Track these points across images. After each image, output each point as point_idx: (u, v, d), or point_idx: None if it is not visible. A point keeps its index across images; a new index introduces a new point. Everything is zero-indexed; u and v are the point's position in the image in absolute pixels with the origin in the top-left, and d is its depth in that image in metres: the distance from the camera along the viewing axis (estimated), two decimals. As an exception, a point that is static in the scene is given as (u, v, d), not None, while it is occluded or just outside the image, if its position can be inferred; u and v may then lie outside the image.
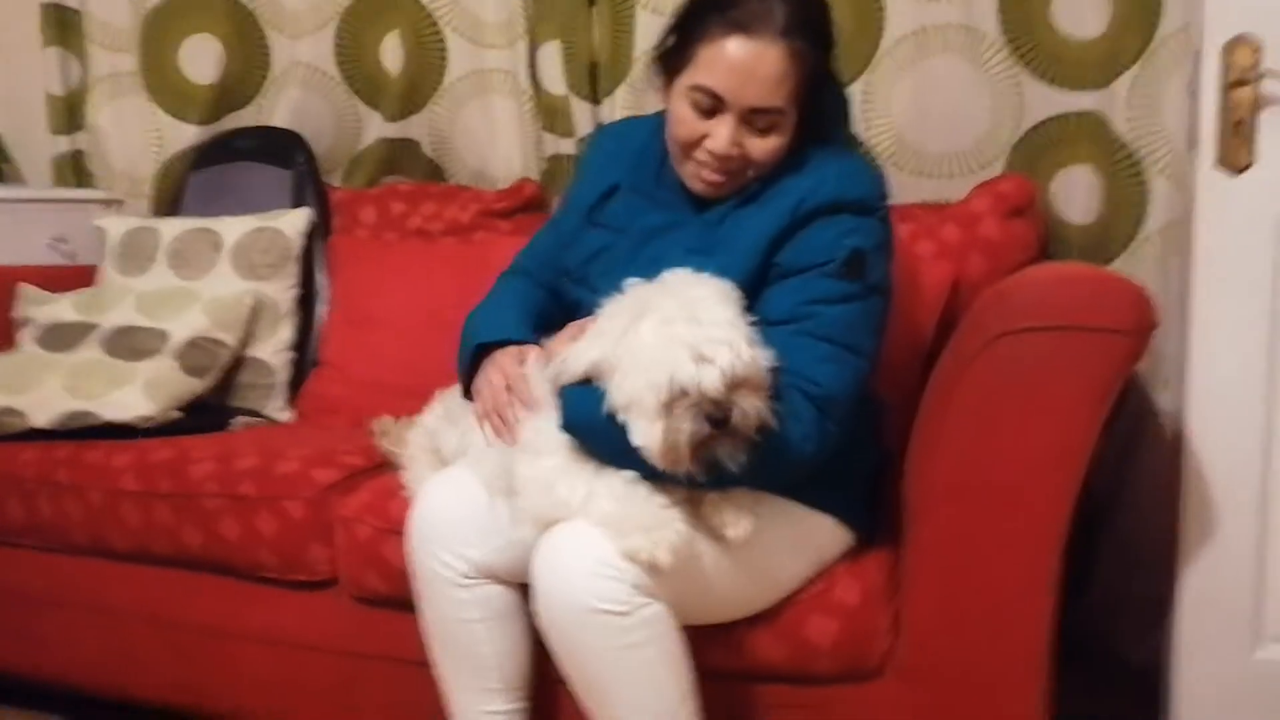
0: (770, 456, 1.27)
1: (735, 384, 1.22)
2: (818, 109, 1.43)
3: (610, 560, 1.25)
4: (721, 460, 1.24)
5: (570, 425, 1.33)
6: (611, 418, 1.27)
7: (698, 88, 1.37)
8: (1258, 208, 1.62)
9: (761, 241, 1.38)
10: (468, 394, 1.54)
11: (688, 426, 1.21)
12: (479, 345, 1.53)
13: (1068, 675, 1.52)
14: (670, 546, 1.24)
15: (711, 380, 1.20)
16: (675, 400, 1.21)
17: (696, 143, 1.39)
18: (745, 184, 1.42)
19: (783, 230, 1.38)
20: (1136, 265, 1.99)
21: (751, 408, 1.22)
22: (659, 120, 1.49)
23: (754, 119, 1.37)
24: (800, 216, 1.37)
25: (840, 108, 1.53)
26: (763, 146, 1.39)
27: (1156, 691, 1.76)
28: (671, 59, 1.42)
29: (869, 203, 1.40)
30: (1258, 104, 1.61)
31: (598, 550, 1.26)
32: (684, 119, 1.39)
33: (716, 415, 1.21)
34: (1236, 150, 1.62)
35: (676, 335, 1.22)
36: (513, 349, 1.50)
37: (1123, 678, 1.94)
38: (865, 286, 1.35)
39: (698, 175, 1.42)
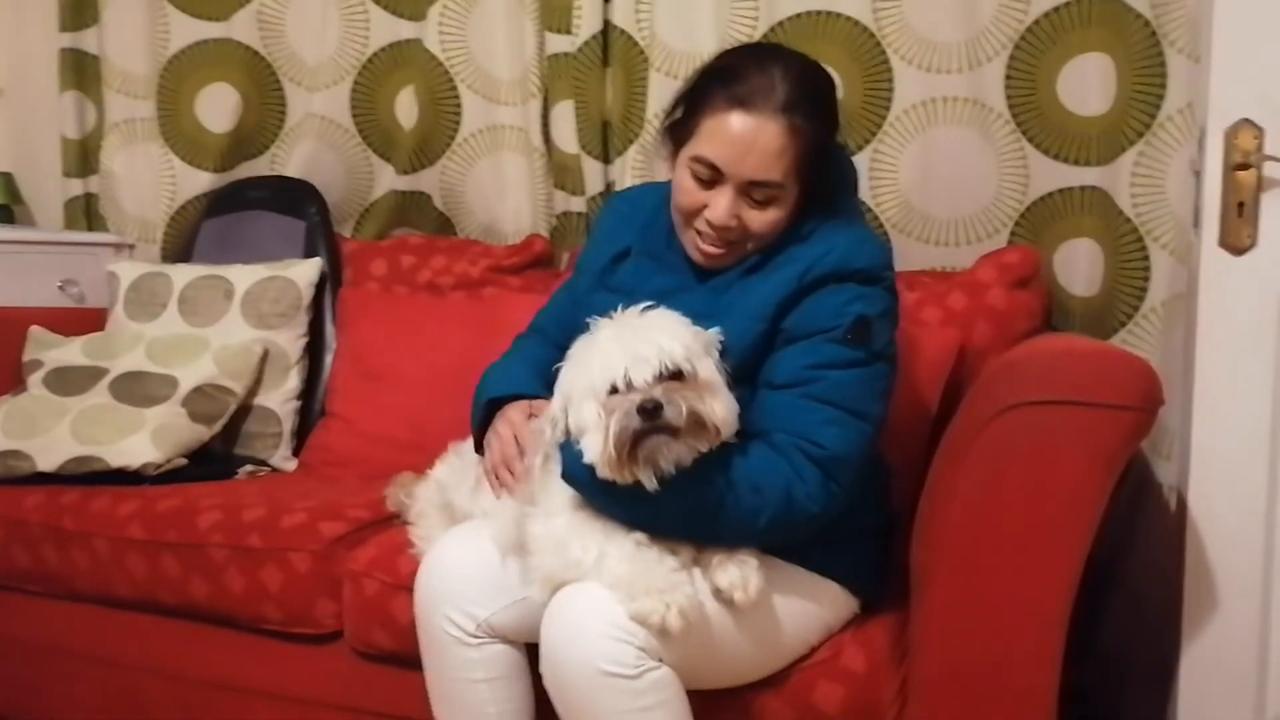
0: (775, 515, 1.29)
1: (671, 380, 1.26)
2: (823, 180, 1.46)
3: (620, 623, 1.26)
4: (661, 462, 1.27)
5: (567, 475, 1.35)
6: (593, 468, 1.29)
7: (698, 159, 1.40)
8: (1260, 287, 1.64)
9: (767, 308, 1.40)
10: (479, 449, 1.56)
11: (619, 422, 1.25)
12: (490, 400, 1.55)
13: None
14: (680, 611, 1.25)
15: (641, 375, 1.26)
16: (612, 403, 1.26)
17: (696, 212, 1.43)
18: (745, 255, 1.45)
19: (789, 296, 1.40)
20: (1139, 338, 2.02)
21: (684, 401, 1.25)
22: (669, 187, 1.52)
23: (752, 191, 1.40)
24: (807, 284, 1.39)
25: (847, 178, 1.57)
26: (761, 219, 1.42)
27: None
28: (677, 130, 1.46)
29: (875, 271, 1.42)
30: (1260, 187, 1.64)
31: (608, 613, 1.26)
32: (685, 189, 1.43)
33: (647, 406, 1.24)
34: (1239, 231, 1.65)
35: (614, 344, 1.30)
36: (522, 403, 1.52)
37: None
38: (870, 353, 1.38)
39: (697, 245, 1.46)
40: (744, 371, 1.40)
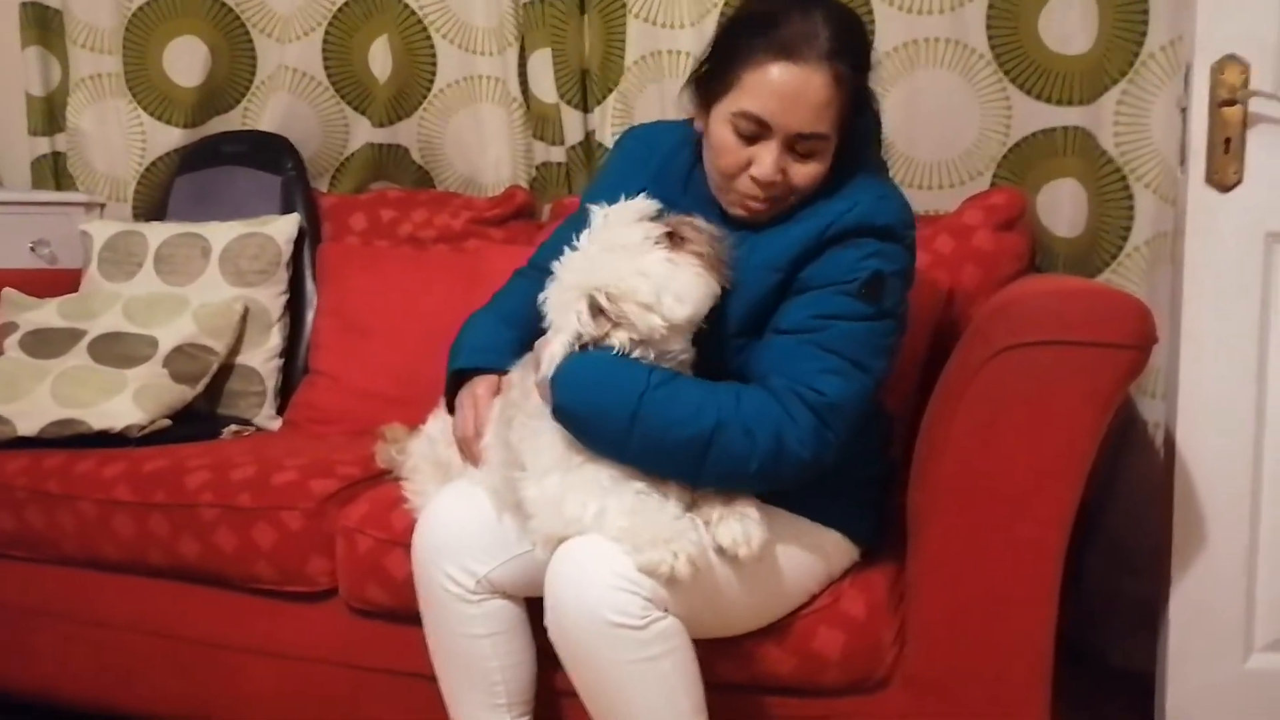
0: (765, 459, 1.29)
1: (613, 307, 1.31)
2: (858, 130, 1.42)
3: (626, 574, 1.26)
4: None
5: (559, 407, 1.33)
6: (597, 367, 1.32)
7: (742, 114, 1.34)
8: (1246, 224, 1.66)
9: (782, 260, 1.38)
10: (450, 409, 1.57)
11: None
12: (457, 370, 1.55)
13: (1057, 680, 1.54)
14: (688, 558, 1.25)
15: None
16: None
17: (741, 170, 1.38)
18: (786, 209, 1.41)
19: (808, 250, 1.37)
20: (1124, 278, 2.03)
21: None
22: (686, 130, 1.49)
23: (797, 144, 1.35)
24: (828, 238, 1.37)
25: (873, 130, 1.51)
26: (805, 172, 1.37)
27: (1145, 696, 1.79)
28: (710, 84, 1.39)
29: (897, 229, 1.39)
30: (1246, 123, 1.65)
31: (614, 564, 1.26)
32: (727, 146, 1.37)
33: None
34: (1225, 168, 1.66)
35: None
36: (489, 378, 1.52)
37: (1111, 681, 1.98)
38: (880, 309, 1.36)
39: (741, 203, 1.41)
40: (754, 321, 1.39)
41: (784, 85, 1.32)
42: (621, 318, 1.32)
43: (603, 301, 1.32)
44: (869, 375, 1.36)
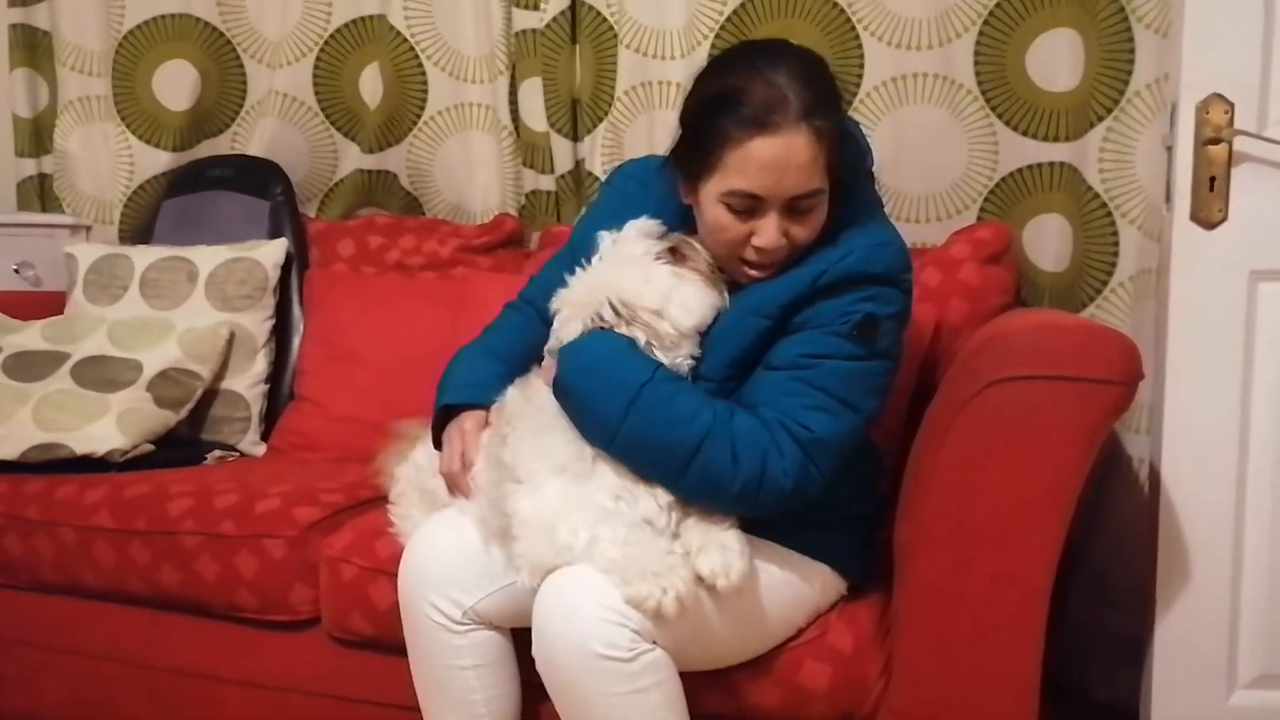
0: (747, 482, 1.29)
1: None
2: (846, 167, 1.40)
3: (614, 605, 1.25)
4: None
5: (560, 381, 1.35)
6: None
7: (733, 193, 1.32)
8: (1231, 261, 1.67)
9: (772, 306, 1.37)
10: (437, 444, 1.56)
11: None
12: (445, 405, 1.54)
13: (1041, 714, 1.54)
14: (677, 595, 1.25)
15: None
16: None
17: (744, 243, 1.36)
18: (791, 262, 1.39)
19: (799, 298, 1.36)
20: (1108, 313, 2.04)
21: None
22: None
23: (795, 205, 1.34)
24: (820, 287, 1.35)
25: (863, 158, 1.49)
26: (807, 228, 1.36)
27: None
28: (690, 165, 1.37)
29: (892, 276, 1.38)
30: (1231, 161, 1.66)
31: (602, 596, 1.26)
32: (724, 225, 1.35)
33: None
34: (1210, 205, 1.67)
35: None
36: (477, 414, 1.51)
37: (1095, 716, 1.97)
38: (872, 350, 1.35)
39: (747, 274, 1.40)
40: (739, 366, 1.39)
41: (768, 158, 1.30)
42: (634, 320, 1.35)
43: (616, 307, 1.35)
44: (858, 414, 1.36)
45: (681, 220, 1.48)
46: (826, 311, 1.36)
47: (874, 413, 1.39)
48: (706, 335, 1.40)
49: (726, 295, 1.40)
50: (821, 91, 1.33)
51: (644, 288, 1.36)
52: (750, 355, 1.39)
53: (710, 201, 1.36)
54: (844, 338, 1.34)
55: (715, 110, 1.32)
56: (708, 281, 1.38)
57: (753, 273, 1.40)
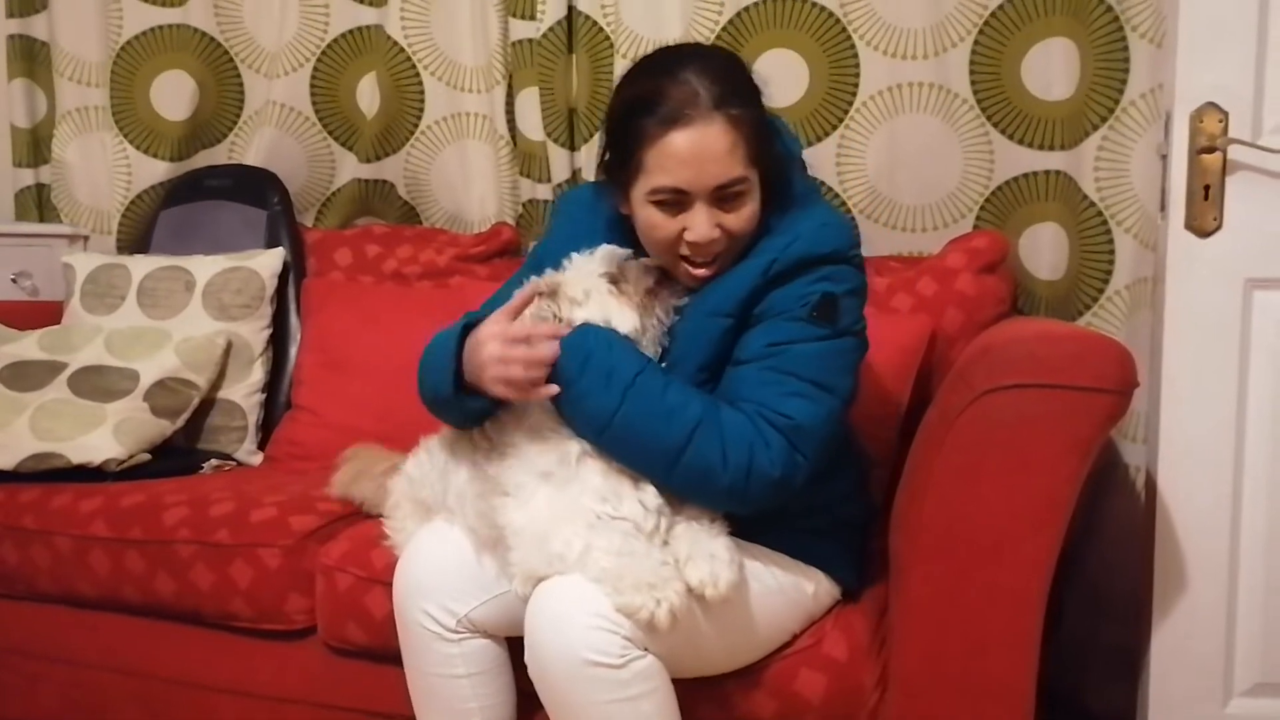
0: (736, 474, 1.30)
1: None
2: (774, 158, 1.43)
3: (605, 612, 1.25)
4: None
5: (562, 365, 1.35)
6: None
7: (657, 190, 1.36)
8: (1226, 269, 1.68)
9: (730, 304, 1.39)
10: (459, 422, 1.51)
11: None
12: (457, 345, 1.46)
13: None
14: (670, 607, 1.25)
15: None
16: None
17: (678, 240, 1.39)
18: (731, 259, 1.42)
19: (755, 291, 1.38)
20: (1104, 321, 2.04)
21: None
22: None
23: (721, 196, 1.36)
24: (772, 276, 1.38)
25: (791, 149, 1.51)
26: (739, 218, 1.39)
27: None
28: (617, 172, 1.42)
29: (841, 253, 1.41)
30: (1225, 170, 1.67)
31: (593, 604, 1.26)
32: (655, 223, 1.39)
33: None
34: (1205, 214, 1.68)
35: None
36: (486, 319, 1.44)
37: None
38: (836, 329, 1.37)
39: (689, 275, 1.42)
40: (710, 369, 1.40)
41: (685, 150, 1.33)
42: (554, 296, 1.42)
43: (549, 285, 1.44)
44: (834, 395, 1.36)
45: (628, 243, 1.48)
46: (784, 298, 1.37)
47: (849, 393, 1.39)
48: (670, 348, 1.42)
49: (654, 325, 1.43)
50: (734, 84, 1.37)
51: (577, 284, 1.42)
52: (719, 356, 1.40)
53: (640, 204, 1.39)
54: (806, 321, 1.35)
55: (631, 114, 1.37)
56: (632, 306, 1.41)
57: (696, 271, 1.42)
